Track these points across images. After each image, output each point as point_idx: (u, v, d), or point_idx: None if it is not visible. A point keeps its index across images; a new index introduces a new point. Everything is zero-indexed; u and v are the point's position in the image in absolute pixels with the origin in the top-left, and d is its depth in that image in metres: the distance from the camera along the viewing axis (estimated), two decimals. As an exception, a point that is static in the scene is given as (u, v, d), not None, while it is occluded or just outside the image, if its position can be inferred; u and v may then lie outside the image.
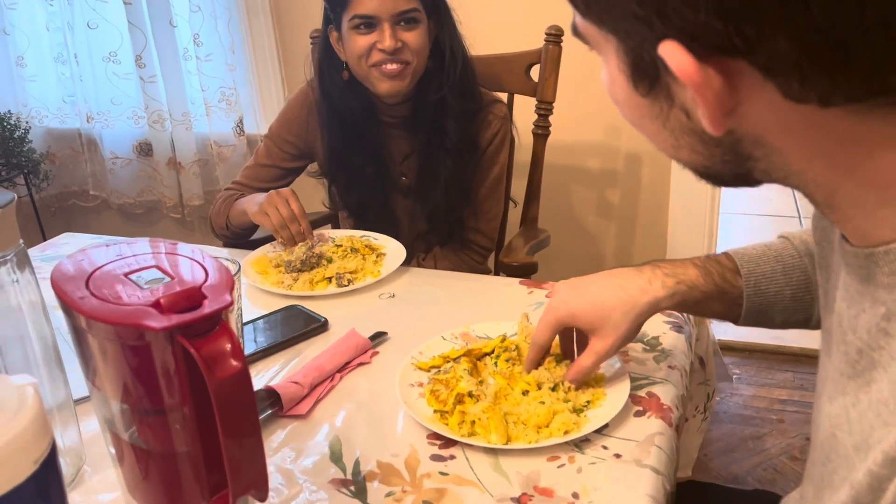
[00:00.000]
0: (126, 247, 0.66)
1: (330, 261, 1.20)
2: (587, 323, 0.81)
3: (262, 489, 0.58)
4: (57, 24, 2.50)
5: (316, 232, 1.31)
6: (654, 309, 0.80)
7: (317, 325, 1.04)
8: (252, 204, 1.31)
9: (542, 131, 1.61)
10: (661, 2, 0.38)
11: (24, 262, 0.68)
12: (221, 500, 0.60)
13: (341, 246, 1.24)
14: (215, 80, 2.39)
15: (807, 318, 0.81)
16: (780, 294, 0.80)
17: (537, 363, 0.86)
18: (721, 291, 0.81)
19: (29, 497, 0.46)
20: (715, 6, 0.36)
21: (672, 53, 0.39)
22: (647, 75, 0.44)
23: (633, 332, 0.81)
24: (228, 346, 0.54)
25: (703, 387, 1.11)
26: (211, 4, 2.30)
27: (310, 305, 1.10)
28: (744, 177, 0.47)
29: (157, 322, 0.54)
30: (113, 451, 0.65)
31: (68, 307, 0.58)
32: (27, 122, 2.55)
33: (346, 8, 1.26)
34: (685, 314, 1.05)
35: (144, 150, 2.58)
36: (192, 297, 0.56)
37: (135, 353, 0.56)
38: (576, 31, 0.48)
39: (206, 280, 0.59)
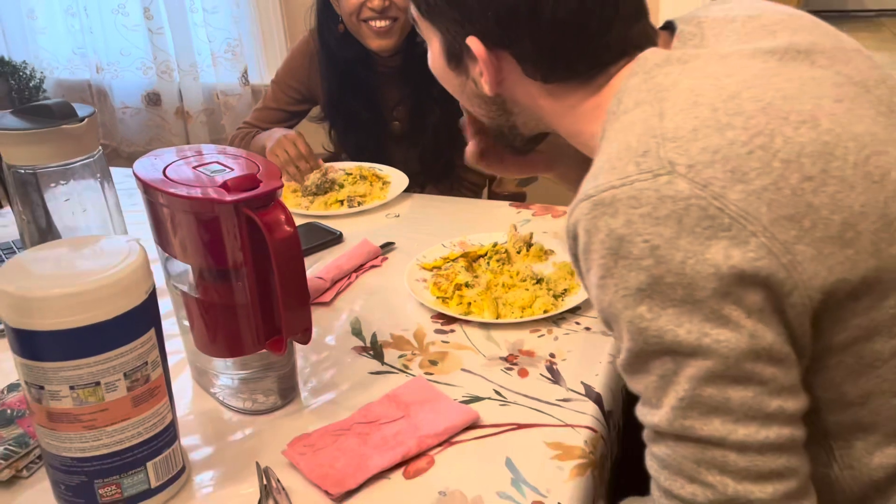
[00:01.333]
0: (176, 151, 0.81)
1: (342, 186, 1.36)
2: None
3: (307, 332, 0.75)
4: (67, -22, 2.60)
5: (326, 164, 1.46)
6: None
7: (333, 237, 1.20)
8: (269, 141, 1.46)
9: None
10: (469, 15, 0.67)
11: (104, 165, 0.83)
12: (274, 343, 0.76)
13: (351, 174, 1.39)
14: (221, 31, 2.50)
15: None
16: None
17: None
18: None
19: (143, 315, 0.63)
20: (494, 22, 0.67)
21: (474, 43, 0.69)
22: (455, 58, 0.73)
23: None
24: (283, 217, 0.70)
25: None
26: (216, -43, 2.41)
27: (325, 223, 1.26)
28: (513, 129, 0.79)
29: (228, 197, 0.69)
30: (186, 323, 0.81)
31: (153, 190, 0.73)
32: (41, 73, 2.66)
33: None
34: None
35: (153, 99, 2.70)
36: (251, 180, 0.72)
37: (207, 224, 0.72)
38: (413, 20, 0.77)
39: (259, 170, 0.75)
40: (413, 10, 0.75)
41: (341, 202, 1.32)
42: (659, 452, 0.59)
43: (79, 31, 2.67)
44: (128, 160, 2.86)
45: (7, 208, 1.40)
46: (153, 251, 0.79)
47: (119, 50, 2.63)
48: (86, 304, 0.59)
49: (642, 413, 0.60)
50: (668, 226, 0.55)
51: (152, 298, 0.65)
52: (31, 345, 0.60)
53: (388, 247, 1.17)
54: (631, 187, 0.56)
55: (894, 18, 5.65)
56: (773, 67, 0.64)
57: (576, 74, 0.69)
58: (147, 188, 0.74)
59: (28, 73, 2.58)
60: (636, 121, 0.61)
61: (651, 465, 0.61)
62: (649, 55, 0.66)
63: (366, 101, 1.55)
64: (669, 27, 0.73)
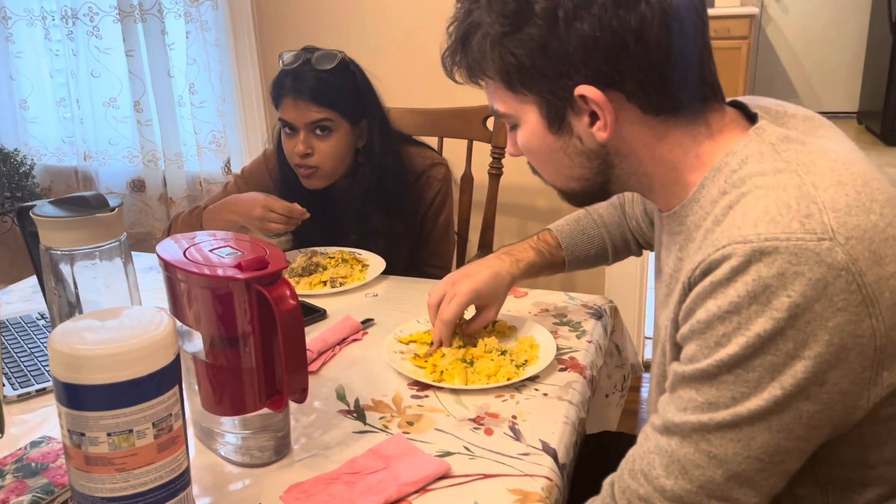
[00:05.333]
0: (191, 237, 0.94)
1: (325, 268, 1.49)
2: (484, 299, 1.15)
3: (304, 392, 0.87)
4: (61, 73, 2.77)
5: (310, 249, 1.59)
6: (512, 282, 1.18)
7: (318, 314, 1.32)
8: (242, 217, 1.52)
9: (495, 171, 1.94)
10: (574, 63, 0.71)
11: (127, 247, 0.96)
12: (274, 402, 0.88)
13: (334, 258, 1.53)
14: (207, 124, 2.67)
15: (605, 260, 1.27)
16: (587, 254, 1.24)
17: (449, 339, 1.14)
18: (550, 263, 1.23)
19: (171, 373, 0.74)
20: (603, 61, 0.70)
21: (587, 90, 0.72)
22: (557, 119, 0.76)
23: (504, 300, 1.19)
24: (288, 292, 0.83)
25: (619, 369, 1.42)
26: (206, 58, 2.60)
27: (310, 302, 1.38)
28: (604, 186, 0.81)
29: (242, 276, 0.82)
30: (195, 387, 0.92)
31: (174, 268, 0.86)
32: (31, 160, 2.79)
33: (279, 112, 1.55)
34: (601, 306, 1.36)
35: (138, 186, 2.84)
36: (261, 261, 0.85)
37: (222, 299, 0.84)
38: (498, 114, 0.80)
39: (266, 252, 0.88)
40: (500, 100, 0.78)
41: (325, 283, 1.45)
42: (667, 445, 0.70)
43: (69, 120, 2.81)
44: (109, 243, 2.96)
45: (11, 286, 1.50)
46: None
47: (108, 139, 2.78)
48: (125, 363, 0.71)
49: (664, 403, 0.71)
50: (815, 289, 0.60)
51: (177, 360, 0.76)
52: (76, 397, 0.71)
53: (368, 322, 1.30)
54: (795, 244, 0.61)
55: (832, 120, 6.10)
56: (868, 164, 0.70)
57: (681, 106, 0.73)
58: (168, 266, 0.87)
59: (19, 159, 2.71)
60: (787, 185, 0.65)
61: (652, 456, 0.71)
62: (766, 127, 0.72)
63: (317, 217, 1.60)
64: (735, 105, 0.80)
